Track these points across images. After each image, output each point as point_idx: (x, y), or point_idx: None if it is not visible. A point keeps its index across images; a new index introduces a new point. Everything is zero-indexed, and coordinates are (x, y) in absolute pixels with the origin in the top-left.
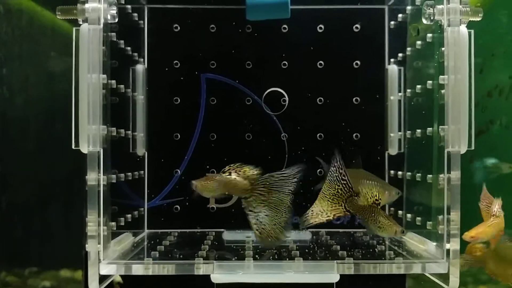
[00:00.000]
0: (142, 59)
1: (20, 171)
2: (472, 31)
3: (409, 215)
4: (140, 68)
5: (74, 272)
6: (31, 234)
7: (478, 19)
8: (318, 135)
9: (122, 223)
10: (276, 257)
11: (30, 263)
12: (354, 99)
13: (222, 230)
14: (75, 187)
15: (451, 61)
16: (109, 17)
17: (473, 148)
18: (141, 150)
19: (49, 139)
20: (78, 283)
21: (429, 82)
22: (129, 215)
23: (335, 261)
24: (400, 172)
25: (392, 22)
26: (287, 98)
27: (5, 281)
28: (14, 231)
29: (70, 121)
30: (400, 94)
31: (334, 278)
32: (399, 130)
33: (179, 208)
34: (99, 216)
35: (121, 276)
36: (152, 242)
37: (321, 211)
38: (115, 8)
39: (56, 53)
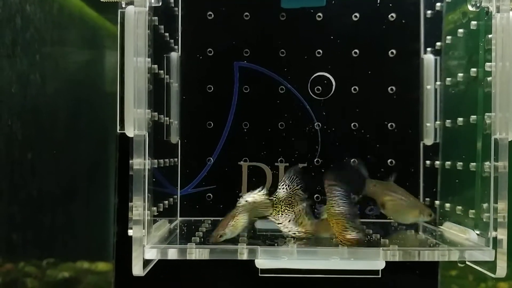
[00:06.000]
0: (176, 46)
1: (49, 159)
2: None
3: (447, 205)
4: (174, 55)
5: (92, 264)
6: (55, 225)
7: None
8: (352, 124)
9: (161, 209)
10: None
11: (52, 254)
12: (389, 88)
13: (255, 218)
14: (96, 179)
15: (499, 48)
16: (153, 0)
17: None
18: (175, 138)
19: (73, 129)
20: (96, 274)
21: (473, 69)
22: (165, 202)
23: (381, 248)
24: (437, 162)
25: (429, 11)
26: (334, 85)
27: (24, 271)
28: (42, 221)
29: (95, 110)
30: (437, 83)
31: (380, 265)
32: (435, 120)
33: (211, 196)
34: (144, 201)
35: (159, 261)
36: (187, 229)
37: None
38: None
39: (84, 41)
